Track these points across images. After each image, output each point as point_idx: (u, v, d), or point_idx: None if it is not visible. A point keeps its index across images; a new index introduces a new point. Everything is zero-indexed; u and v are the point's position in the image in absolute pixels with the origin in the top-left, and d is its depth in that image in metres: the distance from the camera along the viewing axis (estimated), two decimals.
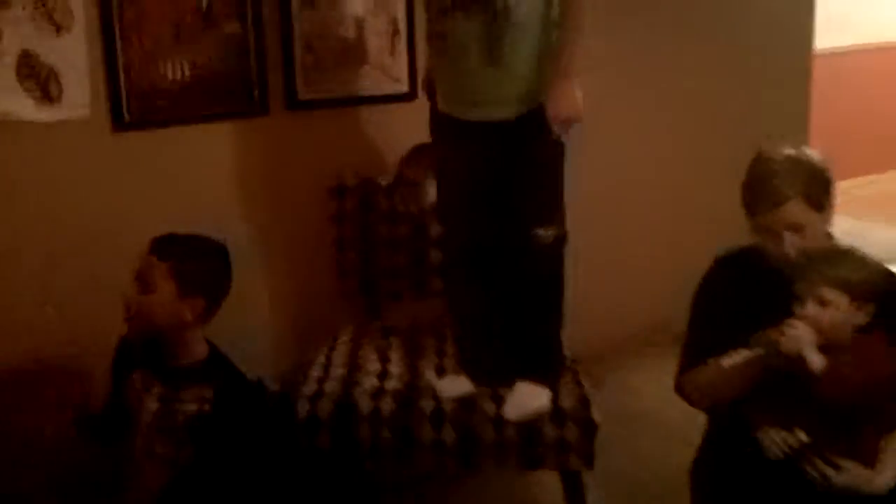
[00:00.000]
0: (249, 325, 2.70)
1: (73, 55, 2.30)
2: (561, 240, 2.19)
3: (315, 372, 2.33)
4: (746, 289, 1.85)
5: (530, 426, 2.12)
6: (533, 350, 2.22)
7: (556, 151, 2.12)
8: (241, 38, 2.51)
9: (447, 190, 2.28)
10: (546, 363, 2.22)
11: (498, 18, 2.01)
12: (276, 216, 2.69)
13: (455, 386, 2.23)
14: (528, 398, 2.14)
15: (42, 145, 2.33)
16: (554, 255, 2.18)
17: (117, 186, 2.45)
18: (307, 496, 2.14)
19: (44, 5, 2.24)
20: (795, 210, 1.71)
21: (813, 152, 1.80)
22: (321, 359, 2.41)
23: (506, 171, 2.11)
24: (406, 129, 2.61)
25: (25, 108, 2.28)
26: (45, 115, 2.31)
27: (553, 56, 2.05)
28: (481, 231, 2.21)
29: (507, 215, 2.15)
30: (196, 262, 1.84)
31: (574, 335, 2.38)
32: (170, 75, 2.44)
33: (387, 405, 2.16)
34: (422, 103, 2.43)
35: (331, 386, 2.23)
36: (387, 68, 2.72)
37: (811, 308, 1.66)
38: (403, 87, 2.75)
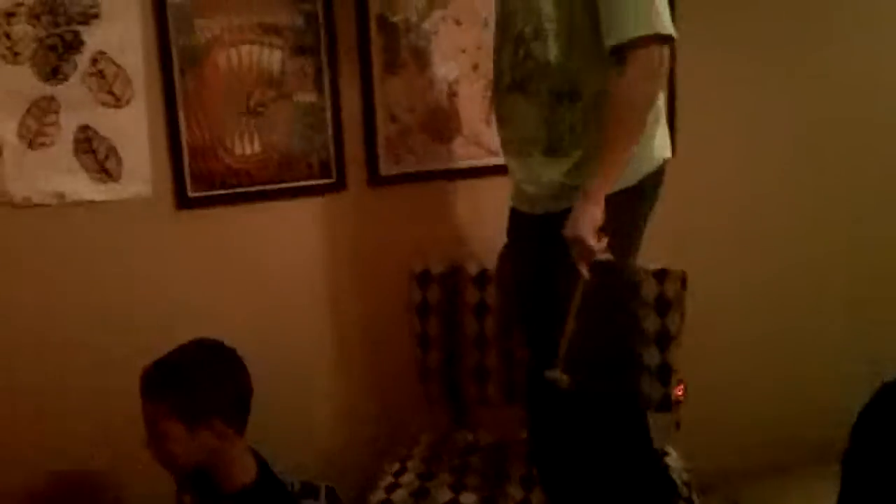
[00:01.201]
0: (319, 427, 2.44)
1: (133, 129, 2.14)
2: (596, 392, 1.74)
3: (377, 496, 1.99)
4: None
5: None
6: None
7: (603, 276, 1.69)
8: (316, 108, 2.27)
9: (500, 294, 1.95)
10: None
11: (562, 102, 1.67)
12: (354, 304, 2.41)
13: None
14: None
15: (101, 226, 2.16)
16: (588, 403, 1.74)
17: (182, 269, 2.25)
18: None
19: (102, 77, 2.09)
20: None
21: None
22: (387, 478, 2.07)
23: (548, 284, 1.75)
24: (502, 206, 2.27)
25: (83, 186, 2.13)
26: (103, 193, 2.15)
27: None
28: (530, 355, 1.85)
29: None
30: (191, 388, 1.59)
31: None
32: (238, 149, 2.23)
33: None
34: None
35: None
36: (481, 139, 2.40)
37: None
38: (499, 160, 2.40)
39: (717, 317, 2.51)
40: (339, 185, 2.33)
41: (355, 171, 2.34)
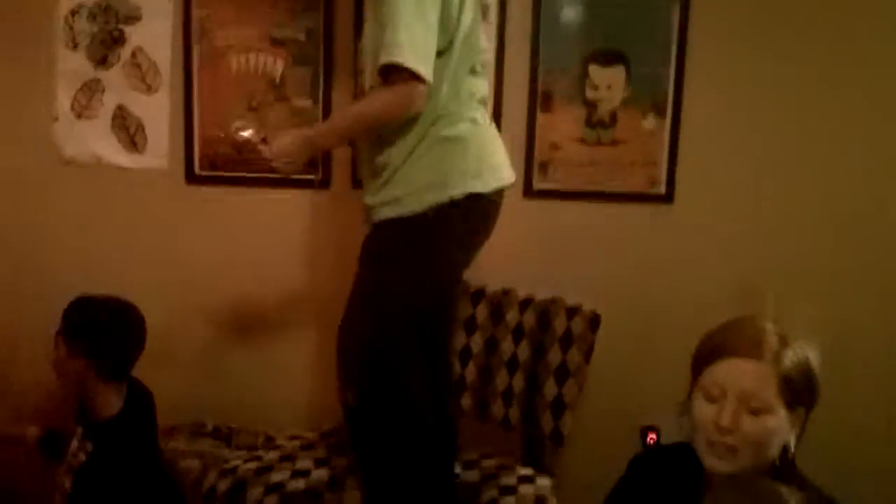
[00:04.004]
0: (289, 386, 2.76)
1: (158, 112, 2.61)
2: (375, 407, 1.88)
3: (261, 450, 2.28)
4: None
5: None
6: None
7: (387, 284, 1.87)
8: (309, 112, 2.58)
9: None
10: None
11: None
12: (326, 286, 2.66)
13: None
14: None
15: (126, 187, 2.66)
16: (371, 419, 1.89)
17: (185, 232, 2.69)
18: None
19: (139, 68, 2.58)
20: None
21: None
22: (281, 440, 2.35)
23: None
24: None
25: (115, 153, 2.64)
26: (130, 161, 2.64)
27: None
28: None
29: None
30: (81, 325, 1.98)
31: None
32: (239, 139, 2.60)
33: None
34: None
35: (248, 466, 2.16)
36: None
37: None
38: None
39: None
40: (323, 183, 2.63)
41: (341, 172, 2.62)
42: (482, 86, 1.95)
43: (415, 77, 1.73)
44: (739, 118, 2.48)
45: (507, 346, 2.34)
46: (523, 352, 2.32)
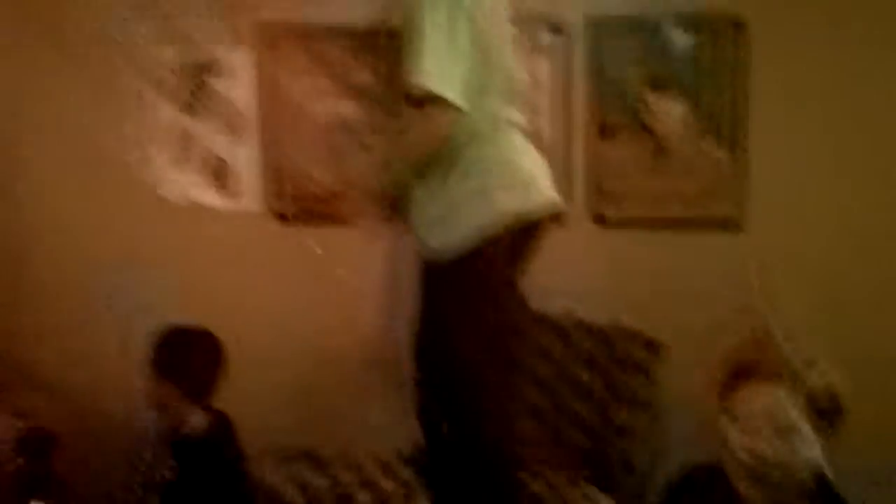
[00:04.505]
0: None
1: (246, 156, 2.79)
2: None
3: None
4: None
5: None
6: None
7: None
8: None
9: None
10: None
11: None
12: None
13: None
14: None
15: (221, 230, 2.83)
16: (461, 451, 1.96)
17: (278, 270, 2.85)
18: None
19: (226, 116, 2.78)
20: None
21: None
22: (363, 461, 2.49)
23: None
24: None
25: (209, 197, 2.84)
26: (224, 204, 2.84)
27: None
28: None
29: None
30: (165, 350, 2.17)
31: None
32: (321, 179, 2.76)
33: None
34: None
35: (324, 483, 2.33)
36: None
37: None
38: None
39: None
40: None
41: None
42: (512, 111, 1.97)
43: (443, 102, 1.75)
44: (809, 139, 2.44)
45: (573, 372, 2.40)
46: (591, 379, 2.37)
